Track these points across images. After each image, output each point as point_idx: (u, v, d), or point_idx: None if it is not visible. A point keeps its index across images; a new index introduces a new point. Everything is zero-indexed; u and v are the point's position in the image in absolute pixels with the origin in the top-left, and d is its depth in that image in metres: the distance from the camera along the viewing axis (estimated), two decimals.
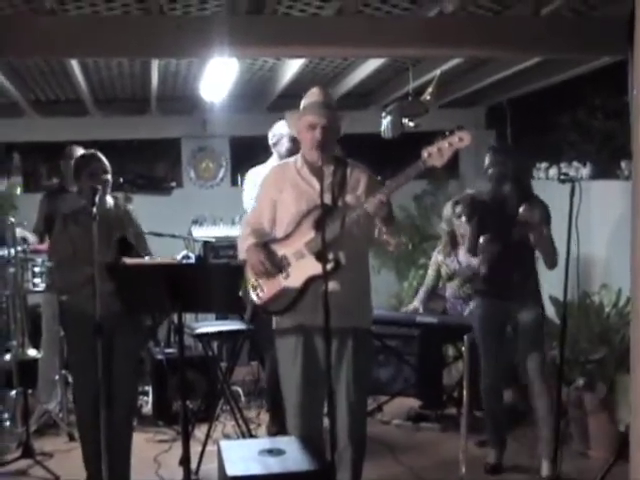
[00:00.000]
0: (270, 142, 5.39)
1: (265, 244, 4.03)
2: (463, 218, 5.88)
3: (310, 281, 3.89)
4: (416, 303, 6.14)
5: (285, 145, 5.26)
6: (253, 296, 4.08)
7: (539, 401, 4.69)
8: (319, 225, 3.78)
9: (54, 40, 4.20)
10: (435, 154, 3.62)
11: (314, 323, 3.82)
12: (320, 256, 3.73)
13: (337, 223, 3.79)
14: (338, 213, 3.82)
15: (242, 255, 4.12)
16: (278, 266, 3.97)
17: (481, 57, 5.84)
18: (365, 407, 4.28)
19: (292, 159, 4.19)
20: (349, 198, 3.94)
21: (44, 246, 5.84)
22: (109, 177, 4.40)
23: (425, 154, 3.63)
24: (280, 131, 5.28)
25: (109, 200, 4.45)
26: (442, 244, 6.11)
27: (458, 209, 5.94)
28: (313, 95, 3.98)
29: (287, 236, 3.99)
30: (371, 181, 4.00)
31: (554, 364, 4.65)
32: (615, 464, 4.39)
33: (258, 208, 4.21)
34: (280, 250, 3.99)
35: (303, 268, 3.91)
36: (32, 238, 5.92)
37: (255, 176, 5.37)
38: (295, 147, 4.81)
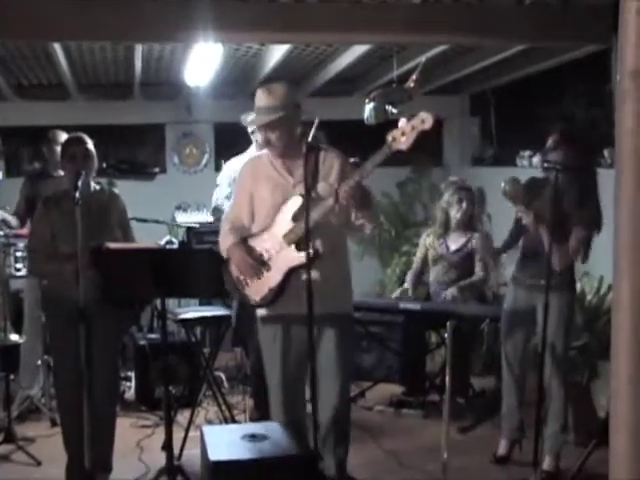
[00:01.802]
0: (249, 129, 5.36)
1: (244, 240, 4.03)
2: (464, 204, 5.93)
3: (291, 272, 3.92)
4: (407, 285, 6.14)
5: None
6: (238, 288, 4.09)
7: (553, 396, 4.61)
8: (296, 216, 3.84)
9: (37, 24, 4.18)
10: (399, 137, 3.62)
11: (296, 311, 3.85)
12: (299, 247, 3.80)
13: (313, 212, 3.77)
14: (313, 202, 3.80)
15: (224, 253, 4.11)
16: (260, 262, 3.98)
17: (466, 45, 5.85)
18: (348, 392, 4.30)
19: (263, 151, 4.20)
20: (321, 186, 3.93)
21: (26, 230, 5.80)
22: (94, 161, 4.37)
23: (390, 138, 3.65)
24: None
25: (93, 185, 4.42)
26: (437, 226, 6.10)
27: (461, 195, 5.94)
28: (255, 99, 3.97)
29: (265, 229, 4.01)
30: (344, 166, 3.98)
31: (536, 351, 4.66)
32: (595, 450, 4.43)
33: (236, 203, 4.23)
34: (259, 244, 4.01)
35: (283, 260, 3.93)
36: (14, 221, 5.88)
37: (230, 171, 5.37)
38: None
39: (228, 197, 5.22)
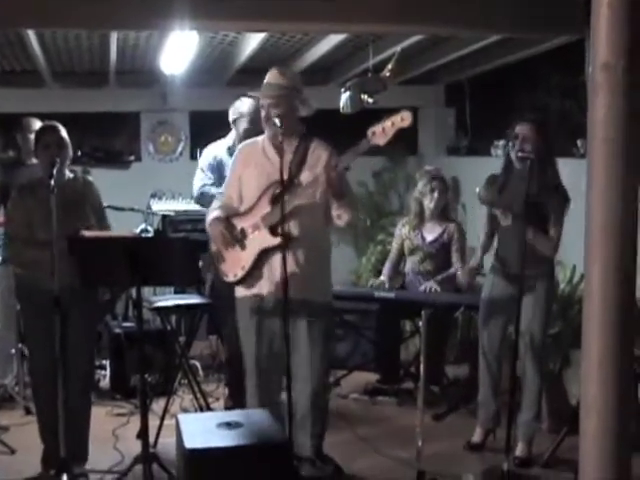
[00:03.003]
0: (230, 119, 5.36)
1: (227, 217, 4.21)
2: (436, 194, 5.93)
3: (263, 253, 4.10)
4: (383, 278, 6.11)
5: (243, 125, 5.23)
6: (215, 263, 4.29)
7: (528, 384, 4.64)
8: (275, 200, 4.01)
9: (11, 10, 4.14)
10: (379, 133, 3.80)
11: (269, 294, 4.07)
12: (273, 230, 3.99)
13: (292, 198, 3.97)
14: (293, 189, 4.00)
15: (207, 227, 4.31)
16: (236, 237, 4.16)
17: (441, 35, 5.86)
18: (327, 380, 4.44)
19: (260, 137, 4.31)
20: (306, 175, 4.07)
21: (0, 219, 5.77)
22: (68, 150, 4.35)
23: (370, 133, 3.83)
24: (240, 110, 5.25)
25: (68, 173, 4.40)
26: (412, 216, 6.09)
27: (434, 184, 5.94)
28: (267, 76, 4.17)
29: (247, 210, 4.19)
30: (331, 159, 4.09)
31: (509, 339, 4.70)
32: (567, 437, 4.49)
33: (227, 184, 4.42)
34: (240, 223, 4.19)
35: (258, 240, 4.11)
36: None
37: (210, 157, 5.36)
38: (253, 128, 4.88)
39: (214, 183, 5.21)
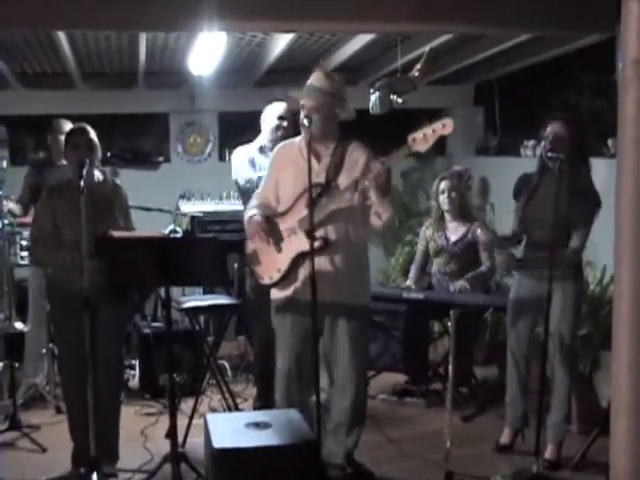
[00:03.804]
0: (262, 121, 5.35)
1: (267, 217, 4.20)
2: (447, 194, 5.91)
3: (299, 257, 4.05)
4: (409, 282, 6.09)
5: (270, 128, 5.22)
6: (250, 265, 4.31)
7: (557, 385, 4.61)
8: (312, 204, 3.91)
9: (41, 12, 4.16)
10: (420, 140, 3.79)
11: (305, 297, 3.95)
12: (309, 234, 3.86)
13: (329, 202, 3.96)
14: (331, 192, 3.99)
15: (245, 225, 4.30)
16: (276, 236, 4.14)
17: (470, 34, 5.83)
18: (365, 383, 4.44)
19: (297, 138, 4.29)
20: (343, 178, 4.05)
21: (30, 219, 5.82)
22: (97, 151, 4.38)
23: (410, 140, 3.80)
24: (271, 113, 5.26)
25: (97, 174, 4.43)
26: (432, 219, 6.09)
27: (442, 185, 5.94)
28: (312, 78, 4.16)
29: (284, 213, 4.18)
30: (369, 162, 4.05)
31: (537, 340, 4.67)
32: (597, 439, 4.45)
33: (265, 185, 4.39)
34: (279, 225, 4.17)
35: (294, 244, 4.07)
36: (17, 210, 5.90)
37: (239, 157, 5.35)
38: (283, 132, 4.88)
39: (249, 181, 5.19)
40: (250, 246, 4.24)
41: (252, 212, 4.26)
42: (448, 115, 3.76)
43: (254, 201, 4.37)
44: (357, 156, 4.12)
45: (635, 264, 2.43)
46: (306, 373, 4.13)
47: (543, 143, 4.53)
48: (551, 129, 4.48)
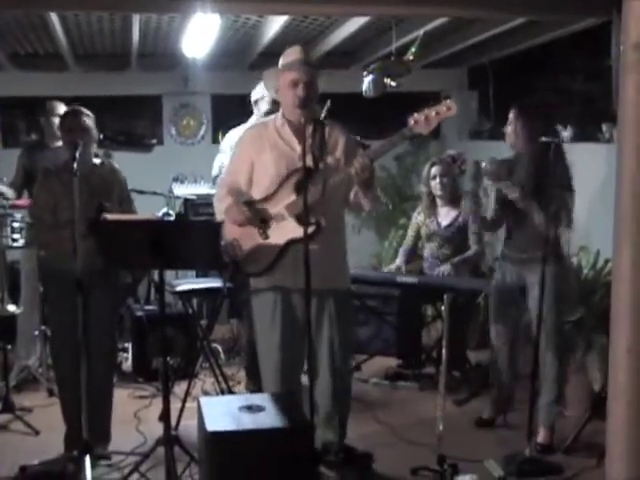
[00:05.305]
0: (252, 100, 5.34)
1: (249, 203, 4.01)
2: (438, 179, 5.91)
3: (290, 243, 3.90)
4: (398, 262, 6.13)
5: (265, 107, 5.21)
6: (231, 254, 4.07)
7: (546, 368, 4.59)
8: (300, 188, 3.76)
9: None
10: (422, 122, 3.63)
11: (293, 285, 3.89)
12: (301, 219, 3.73)
13: (318, 186, 3.78)
14: (319, 176, 3.80)
15: (220, 216, 4.10)
16: (260, 220, 3.95)
17: (465, 17, 5.81)
18: (349, 368, 4.38)
19: (271, 118, 4.17)
20: (329, 160, 3.91)
21: (23, 201, 5.80)
22: (92, 134, 4.36)
23: (411, 121, 3.64)
24: (262, 92, 5.23)
25: (94, 159, 4.41)
26: (423, 205, 6.10)
27: (434, 170, 5.93)
28: (294, 53, 3.97)
29: (267, 198, 3.98)
30: (349, 142, 4.00)
31: (528, 326, 4.68)
32: (589, 422, 4.47)
33: (234, 169, 4.18)
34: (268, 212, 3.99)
35: (283, 230, 3.92)
36: (10, 192, 5.87)
37: (231, 141, 5.33)
38: (275, 109, 4.83)
39: None
40: (229, 234, 4.03)
41: (228, 201, 4.04)
42: (449, 97, 3.65)
43: (223, 189, 4.16)
44: (337, 135, 4.00)
45: (634, 245, 2.43)
46: (297, 360, 4.09)
47: None
48: (510, 118, 4.59)
